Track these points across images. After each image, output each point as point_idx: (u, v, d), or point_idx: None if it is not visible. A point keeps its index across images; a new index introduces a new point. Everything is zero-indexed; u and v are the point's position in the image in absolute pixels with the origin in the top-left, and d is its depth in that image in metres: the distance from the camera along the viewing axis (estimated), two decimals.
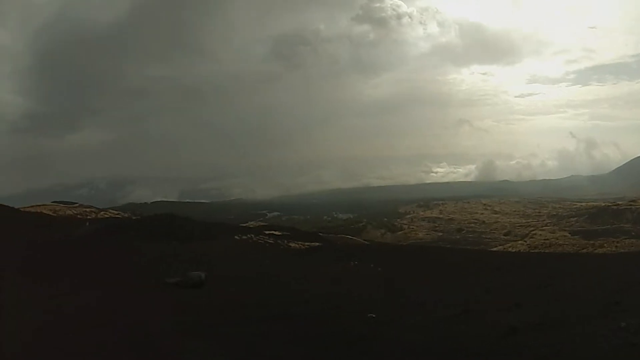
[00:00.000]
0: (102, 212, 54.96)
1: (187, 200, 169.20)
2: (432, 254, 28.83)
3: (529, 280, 13.66)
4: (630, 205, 59.43)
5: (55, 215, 43.26)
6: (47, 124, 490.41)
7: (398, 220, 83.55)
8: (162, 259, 17.28)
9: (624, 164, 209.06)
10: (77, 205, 59.57)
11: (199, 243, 24.46)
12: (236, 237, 30.39)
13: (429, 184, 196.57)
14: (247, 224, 54.96)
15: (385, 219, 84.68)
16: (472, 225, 68.71)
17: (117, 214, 54.00)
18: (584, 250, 34.08)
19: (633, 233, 43.75)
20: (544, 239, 46.91)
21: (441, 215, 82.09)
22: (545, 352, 6.68)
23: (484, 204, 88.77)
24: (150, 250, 19.94)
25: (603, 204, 64.51)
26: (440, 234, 64.86)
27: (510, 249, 41.66)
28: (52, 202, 58.38)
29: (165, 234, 25.90)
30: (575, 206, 71.36)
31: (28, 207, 46.52)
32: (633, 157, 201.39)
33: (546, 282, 12.45)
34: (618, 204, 62.13)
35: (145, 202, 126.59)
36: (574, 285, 11.68)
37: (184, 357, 6.71)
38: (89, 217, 46.09)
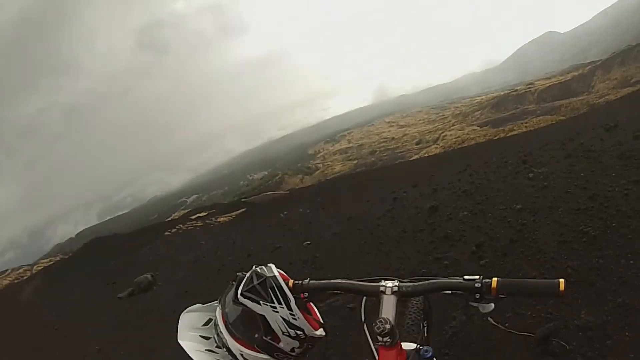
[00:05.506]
0: (35, 267, 50.49)
1: (108, 218, 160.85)
2: (355, 181, 30.08)
3: (447, 170, 14.67)
4: (529, 88, 62.22)
5: None
6: None
7: (311, 161, 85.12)
8: (107, 283, 16.82)
9: (511, 55, 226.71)
10: (8, 271, 53.70)
11: (132, 254, 24.05)
12: (167, 233, 30.73)
13: (330, 119, 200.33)
14: (172, 217, 53.50)
15: (299, 165, 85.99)
16: (383, 144, 70.83)
17: (49, 261, 49.86)
18: (496, 138, 36.78)
19: (538, 112, 46.55)
20: (456, 137, 49.54)
21: (350, 145, 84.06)
22: (463, 216, 7.62)
23: (388, 122, 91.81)
24: (92, 280, 19.56)
25: (503, 93, 68.10)
26: (355, 161, 66.42)
27: (426, 155, 43.97)
28: None
29: (99, 260, 25.48)
30: (476, 101, 75.12)
31: None
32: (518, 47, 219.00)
33: (463, 168, 13.45)
34: (517, 89, 64.97)
35: (71, 237, 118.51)
36: (488, 163, 12.69)
37: None
38: (24, 277, 42.05)
